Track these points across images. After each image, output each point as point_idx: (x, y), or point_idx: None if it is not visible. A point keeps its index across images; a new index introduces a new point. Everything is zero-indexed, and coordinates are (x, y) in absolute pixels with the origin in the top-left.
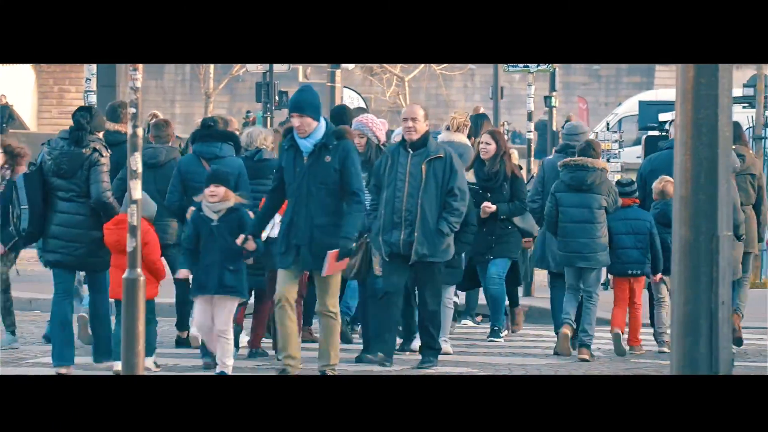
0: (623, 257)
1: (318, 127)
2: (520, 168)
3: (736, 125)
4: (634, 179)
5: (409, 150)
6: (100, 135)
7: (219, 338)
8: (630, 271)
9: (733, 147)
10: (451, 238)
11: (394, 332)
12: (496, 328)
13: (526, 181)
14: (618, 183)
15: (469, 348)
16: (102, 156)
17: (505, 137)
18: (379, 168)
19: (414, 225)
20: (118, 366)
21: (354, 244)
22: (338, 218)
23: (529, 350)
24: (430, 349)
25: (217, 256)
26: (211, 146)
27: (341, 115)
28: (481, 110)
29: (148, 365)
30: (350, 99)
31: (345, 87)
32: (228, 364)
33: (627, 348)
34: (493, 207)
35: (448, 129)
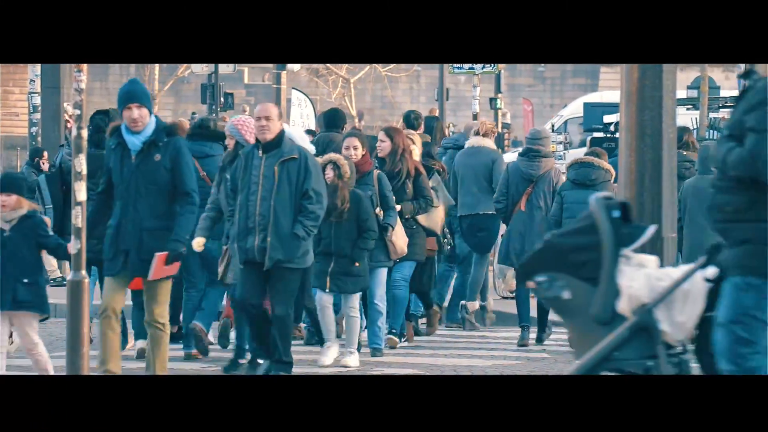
0: None
1: (148, 123)
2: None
3: (686, 130)
4: None
5: (262, 151)
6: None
7: (30, 355)
8: None
9: (684, 153)
10: (309, 244)
11: (286, 340)
12: (394, 330)
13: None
14: None
15: (414, 350)
16: None
17: (404, 134)
18: (235, 172)
19: (267, 230)
20: (141, 344)
21: (184, 248)
22: (169, 221)
23: (474, 351)
24: (279, 363)
25: (11, 269)
26: (202, 145)
27: (335, 117)
28: (436, 113)
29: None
30: (298, 100)
31: (293, 88)
32: (49, 370)
33: None
34: (398, 206)
35: (477, 134)
